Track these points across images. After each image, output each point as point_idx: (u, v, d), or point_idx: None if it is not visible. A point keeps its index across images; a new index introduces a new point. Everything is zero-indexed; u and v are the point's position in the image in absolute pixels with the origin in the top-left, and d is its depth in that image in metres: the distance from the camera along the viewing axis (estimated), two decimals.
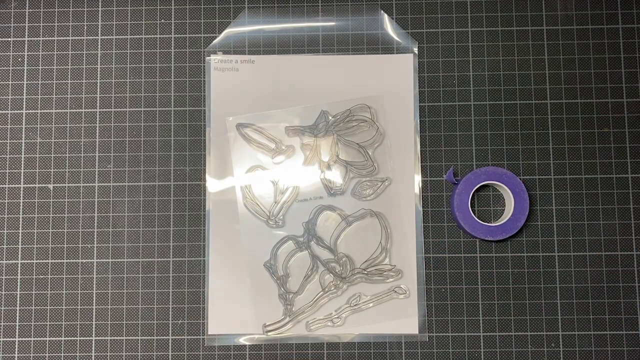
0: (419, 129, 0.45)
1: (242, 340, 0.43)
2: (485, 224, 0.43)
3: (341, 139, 0.45)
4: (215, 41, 0.46)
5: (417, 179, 0.44)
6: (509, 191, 0.43)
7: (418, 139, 0.45)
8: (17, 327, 0.44)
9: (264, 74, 0.45)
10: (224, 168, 0.45)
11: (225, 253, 0.44)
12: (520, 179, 0.43)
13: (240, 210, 0.44)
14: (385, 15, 0.45)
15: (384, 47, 0.46)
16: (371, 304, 0.44)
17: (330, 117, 0.45)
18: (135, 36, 0.46)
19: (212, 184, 0.45)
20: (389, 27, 0.46)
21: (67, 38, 0.46)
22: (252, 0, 0.46)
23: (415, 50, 0.45)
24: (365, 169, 0.44)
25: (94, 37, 0.46)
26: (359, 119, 0.45)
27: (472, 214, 0.43)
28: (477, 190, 0.44)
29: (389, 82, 0.45)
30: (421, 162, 0.45)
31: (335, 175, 0.45)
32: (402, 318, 0.44)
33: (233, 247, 0.44)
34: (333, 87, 0.45)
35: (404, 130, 0.45)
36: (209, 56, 0.45)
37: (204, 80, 0.46)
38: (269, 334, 0.43)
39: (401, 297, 0.44)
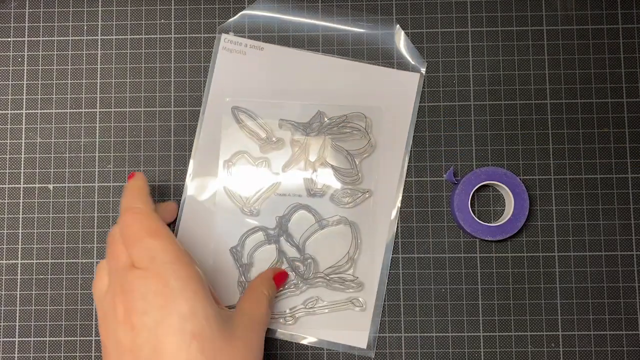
0: (410, 147, 0.44)
1: None
2: (485, 224, 0.43)
3: (332, 142, 0.44)
4: (229, 20, 0.45)
5: (399, 197, 0.44)
6: (509, 191, 0.43)
7: (407, 158, 0.44)
8: (16, 327, 0.44)
9: (270, 62, 0.45)
10: (211, 149, 0.45)
11: (196, 232, 0.44)
12: (520, 179, 0.43)
13: (217, 192, 0.44)
14: (402, 32, 0.45)
15: (394, 61, 0.45)
16: (326, 310, 0.43)
17: (326, 119, 0.45)
18: (135, 36, 0.46)
19: (197, 163, 0.44)
20: (402, 43, 0.45)
21: (67, 38, 0.46)
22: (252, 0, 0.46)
23: (423, 70, 0.45)
24: (350, 177, 0.44)
25: (94, 37, 0.46)
26: (353, 127, 0.44)
27: (472, 214, 0.43)
28: (477, 190, 0.44)
29: (391, 96, 0.45)
30: (421, 162, 0.45)
31: (319, 177, 0.44)
32: (353, 330, 0.43)
33: (204, 227, 0.44)
34: (335, 89, 0.45)
35: (395, 146, 0.45)
36: (221, 34, 0.45)
37: (204, 81, 0.46)
38: None
39: (357, 310, 0.43)
